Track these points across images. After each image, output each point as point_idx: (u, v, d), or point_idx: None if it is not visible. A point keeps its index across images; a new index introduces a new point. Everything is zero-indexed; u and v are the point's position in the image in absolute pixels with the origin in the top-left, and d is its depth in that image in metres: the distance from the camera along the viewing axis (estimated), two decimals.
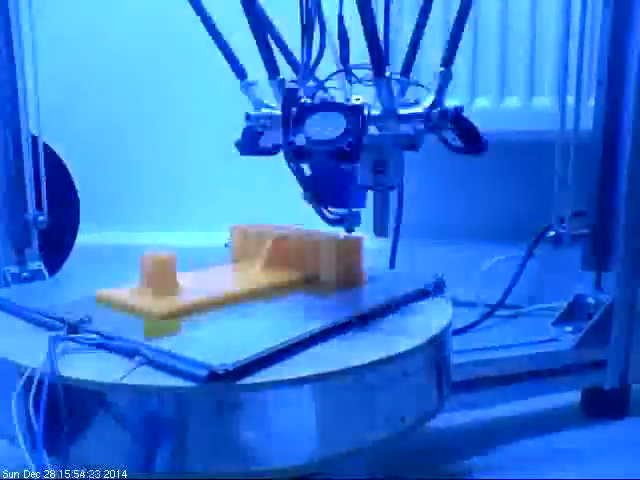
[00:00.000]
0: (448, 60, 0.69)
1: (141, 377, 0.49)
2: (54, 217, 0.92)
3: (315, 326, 0.57)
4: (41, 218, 0.89)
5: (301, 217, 0.79)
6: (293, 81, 0.68)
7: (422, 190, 1.29)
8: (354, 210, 0.72)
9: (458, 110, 0.69)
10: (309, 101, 0.64)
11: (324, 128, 0.61)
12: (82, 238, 1.31)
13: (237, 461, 0.49)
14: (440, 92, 0.68)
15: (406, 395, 0.57)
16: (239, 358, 0.49)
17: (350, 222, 0.73)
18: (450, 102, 0.69)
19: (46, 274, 0.91)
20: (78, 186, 1.32)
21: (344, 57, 0.70)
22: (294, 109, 0.63)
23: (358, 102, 0.63)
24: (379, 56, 0.62)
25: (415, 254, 1.16)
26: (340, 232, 0.74)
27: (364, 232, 0.75)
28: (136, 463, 0.49)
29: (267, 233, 0.77)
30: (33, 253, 0.90)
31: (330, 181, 0.71)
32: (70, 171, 1.31)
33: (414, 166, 1.08)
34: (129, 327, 0.58)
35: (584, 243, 0.89)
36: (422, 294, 0.70)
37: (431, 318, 0.63)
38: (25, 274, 0.89)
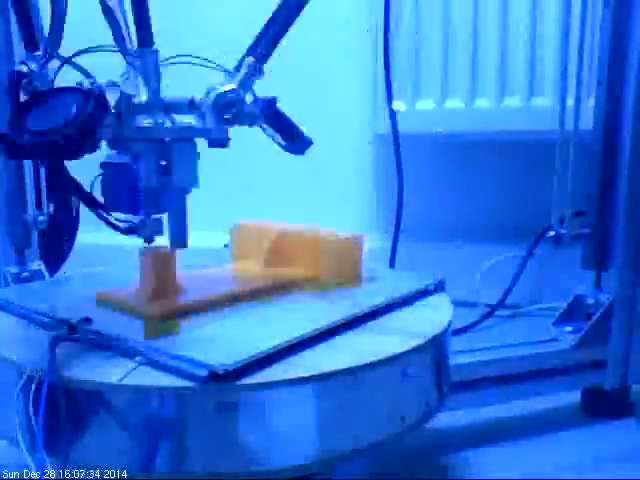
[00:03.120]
0: (258, 51, 0.60)
1: (141, 377, 0.49)
2: (54, 217, 0.92)
3: (315, 326, 0.57)
4: (41, 218, 0.89)
5: (301, 217, 0.79)
6: (23, 62, 0.58)
7: (422, 190, 1.29)
8: (152, 216, 0.61)
9: (270, 103, 0.61)
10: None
11: (47, 118, 0.52)
12: (82, 238, 1.31)
13: (237, 461, 0.49)
14: (243, 82, 0.59)
15: (406, 395, 0.57)
16: (239, 358, 0.49)
17: (148, 230, 0.61)
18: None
19: (46, 274, 0.91)
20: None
21: (117, 35, 0.59)
22: (23, 95, 0.55)
23: (94, 85, 0.53)
24: (145, 25, 0.55)
25: (415, 254, 1.16)
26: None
27: (364, 230, 0.75)
28: (136, 463, 0.49)
29: (267, 232, 0.77)
30: (33, 253, 0.90)
31: (118, 182, 0.59)
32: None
33: (414, 166, 1.09)
34: (129, 327, 0.58)
35: (584, 243, 0.89)
36: (422, 294, 0.70)
37: (431, 318, 0.63)
38: (25, 274, 0.89)
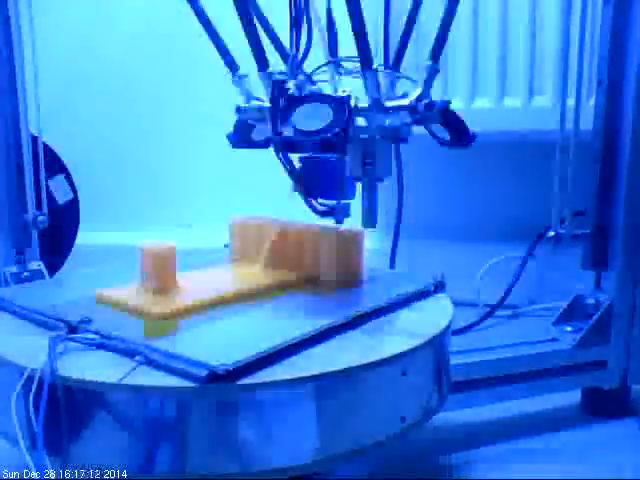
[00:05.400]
0: (436, 54, 0.71)
1: (141, 377, 0.49)
2: (54, 217, 0.92)
3: (315, 326, 0.57)
4: (41, 218, 0.89)
5: (301, 217, 0.79)
6: (281, 73, 0.68)
7: (422, 190, 1.29)
8: (343, 202, 0.73)
9: (445, 103, 0.70)
10: (296, 93, 0.65)
11: (311, 119, 0.63)
12: (82, 238, 1.31)
13: (237, 461, 0.49)
14: (427, 85, 0.69)
15: (406, 395, 0.57)
16: (239, 358, 0.49)
17: (339, 214, 0.73)
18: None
19: (46, 274, 0.91)
20: (77, 186, 1.33)
21: (332, 49, 0.71)
22: (282, 101, 0.64)
23: (344, 94, 0.64)
24: (366, 48, 0.64)
25: (415, 254, 1.16)
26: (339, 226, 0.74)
27: (364, 229, 0.75)
28: (136, 463, 0.49)
29: (267, 230, 0.77)
30: (33, 253, 0.90)
31: (318, 172, 0.71)
32: (70, 171, 1.31)
33: (414, 166, 1.08)
34: (129, 327, 0.58)
35: (584, 243, 0.89)
36: (422, 294, 0.70)
37: (431, 318, 0.63)
38: (25, 274, 0.89)
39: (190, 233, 1.48)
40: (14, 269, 0.88)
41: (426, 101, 0.67)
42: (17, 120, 0.88)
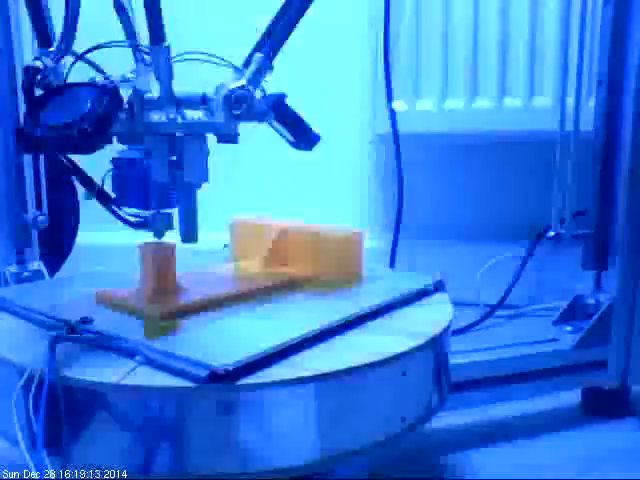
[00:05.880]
0: (267, 48, 0.61)
1: (141, 377, 0.49)
2: (54, 217, 0.92)
3: (315, 326, 0.57)
4: (41, 218, 0.89)
5: (301, 217, 0.79)
6: (37, 58, 0.58)
7: (422, 190, 1.29)
8: (162, 211, 0.62)
9: (279, 98, 0.62)
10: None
11: (62, 112, 0.53)
12: (82, 238, 1.31)
13: (237, 461, 0.49)
14: (254, 78, 0.60)
15: (406, 395, 0.57)
16: (239, 358, 0.49)
17: (158, 225, 0.63)
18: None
19: (46, 274, 0.91)
20: (77, 186, 1.32)
21: (128, 32, 0.62)
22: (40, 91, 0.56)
23: (107, 81, 0.55)
24: (157, 19, 0.55)
25: (415, 254, 1.16)
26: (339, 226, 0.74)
27: (364, 228, 0.75)
28: (136, 463, 0.49)
29: (267, 230, 0.77)
30: (33, 253, 0.90)
31: (129, 177, 0.61)
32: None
33: (414, 166, 1.09)
34: (129, 327, 0.58)
35: (584, 243, 0.89)
36: (422, 294, 0.70)
37: (431, 318, 0.63)
38: (25, 274, 0.89)
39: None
40: (14, 269, 0.88)
41: (238, 93, 0.57)
42: (17, 120, 0.88)
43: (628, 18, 0.82)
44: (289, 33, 0.62)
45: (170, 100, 0.58)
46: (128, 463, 0.49)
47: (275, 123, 0.65)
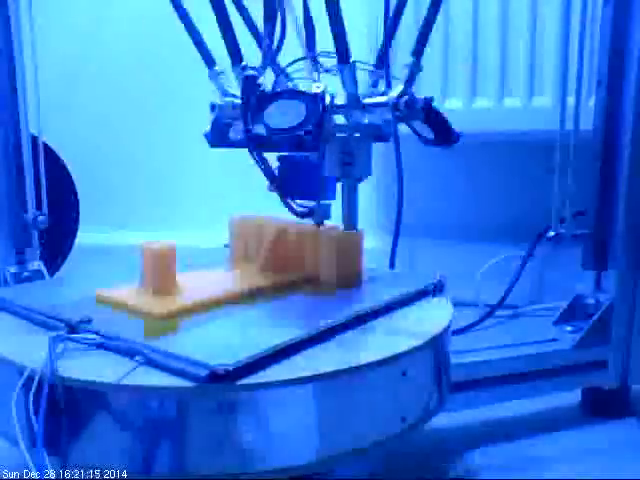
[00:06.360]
0: (418, 52, 0.69)
1: (141, 377, 0.49)
2: (54, 217, 0.92)
3: (315, 326, 0.57)
4: (41, 218, 0.89)
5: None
6: (253, 68, 0.66)
7: (422, 190, 1.29)
8: (323, 203, 0.71)
9: (428, 101, 0.67)
10: (269, 89, 0.63)
11: (283, 116, 0.61)
12: (82, 238, 1.31)
13: (237, 461, 0.49)
14: (409, 82, 0.67)
15: (406, 395, 0.57)
16: (239, 358, 0.49)
17: (319, 215, 0.71)
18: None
19: (46, 274, 0.91)
20: (78, 186, 1.32)
21: (310, 45, 0.69)
22: (255, 98, 0.62)
23: (318, 90, 0.62)
24: (343, 42, 0.62)
25: (415, 254, 1.16)
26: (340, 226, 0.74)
27: (364, 228, 0.75)
28: (136, 463, 0.49)
29: (267, 230, 0.77)
30: (33, 253, 0.90)
31: (296, 172, 0.69)
32: (70, 171, 1.31)
33: (414, 166, 1.08)
34: (129, 327, 0.58)
35: (584, 243, 0.89)
36: (422, 294, 0.70)
37: (431, 318, 0.63)
38: (25, 274, 0.89)
39: (190, 233, 1.48)
40: (14, 269, 0.88)
41: (406, 98, 0.65)
42: (17, 120, 0.88)
43: (628, 18, 0.82)
44: (429, 33, 0.69)
45: (357, 106, 0.65)
46: (128, 463, 0.49)
47: (416, 122, 0.70)
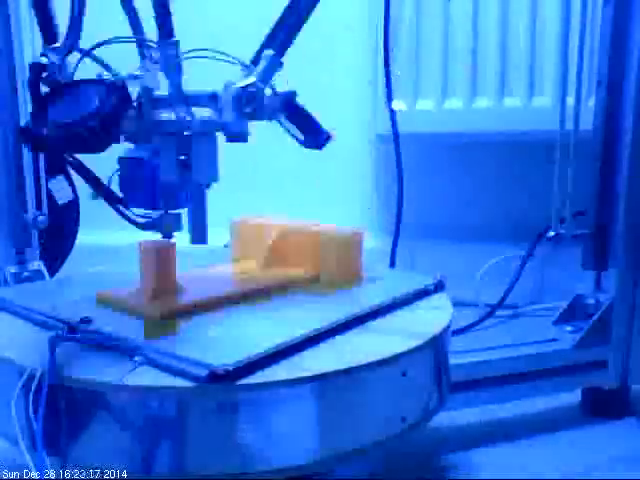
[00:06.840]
0: (278, 45, 0.60)
1: (141, 377, 0.49)
2: (54, 217, 0.92)
3: (315, 326, 0.57)
4: (41, 218, 0.89)
5: (301, 217, 0.79)
6: (43, 54, 0.57)
7: (422, 190, 1.29)
8: (172, 212, 0.61)
9: (289, 96, 0.61)
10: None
11: (71, 110, 0.51)
12: (82, 238, 1.31)
13: (237, 461, 0.49)
14: (263, 75, 0.59)
15: (406, 395, 0.57)
16: (239, 358, 0.49)
17: (167, 226, 0.61)
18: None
19: (46, 274, 0.91)
20: (77, 186, 1.32)
21: (133, 23, 0.61)
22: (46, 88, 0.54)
23: (120, 77, 0.53)
24: (165, 17, 0.54)
25: (415, 254, 1.16)
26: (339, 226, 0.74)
27: (364, 228, 0.75)
28: (136, 463, 0.49)
29: (267, 229, 0.77)
30: (33, 253, 0.90)
31: (138, 177, 0.59)
32: (70, 171, 1.31)
33: (414, 166, 1.09)
34: (129, 327, 0.58)
35: (584, 243, 0.89)
36: (422, 294, 0.70)
37: (431, 318, 0.63)
38: (25, 274, 0.89)
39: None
40: (14, 269, 0.88)
41: (250, 91, 0.56)
42: (17, 120, 0.88)
43: (628, 18, 0.82)
44: (298, 30, 0.61)
45: (179, 98, 0.56)
46: (128, 463, 0.49)
47: (285, 122, 0.64)
